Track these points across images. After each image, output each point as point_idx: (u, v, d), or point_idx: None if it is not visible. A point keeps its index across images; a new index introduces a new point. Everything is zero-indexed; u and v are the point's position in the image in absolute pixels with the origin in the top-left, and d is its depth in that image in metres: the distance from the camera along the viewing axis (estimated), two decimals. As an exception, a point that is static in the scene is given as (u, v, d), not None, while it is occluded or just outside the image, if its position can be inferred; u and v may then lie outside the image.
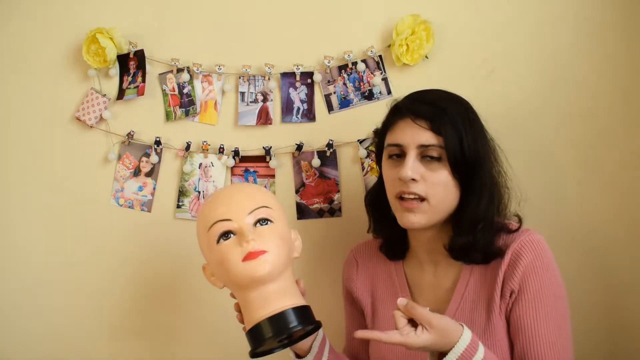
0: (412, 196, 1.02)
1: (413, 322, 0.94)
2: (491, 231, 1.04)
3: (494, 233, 1.05)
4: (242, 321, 1.04)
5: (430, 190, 1.01)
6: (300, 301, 1.01)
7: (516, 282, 1.01)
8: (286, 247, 1.01)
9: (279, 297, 0.99)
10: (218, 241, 1.00)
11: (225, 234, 0.99)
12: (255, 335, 0.99)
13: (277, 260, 0.98)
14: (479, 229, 1.03)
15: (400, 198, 1.04)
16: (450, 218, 1.06)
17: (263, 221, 1.00)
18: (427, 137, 1.02)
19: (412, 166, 1.01)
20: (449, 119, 1.02)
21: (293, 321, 0.97)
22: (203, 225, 1.03)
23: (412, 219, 1.03)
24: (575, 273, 1.11)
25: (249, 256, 0.97)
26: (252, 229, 0.99)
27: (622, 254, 1.29)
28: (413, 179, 1.01)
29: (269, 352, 1.03)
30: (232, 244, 0.98)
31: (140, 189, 1.44)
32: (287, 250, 1.02)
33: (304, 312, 1.00)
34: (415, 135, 1.02)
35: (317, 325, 1.02)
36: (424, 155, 1.02)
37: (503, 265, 1.03)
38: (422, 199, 1.02)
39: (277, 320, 0.97)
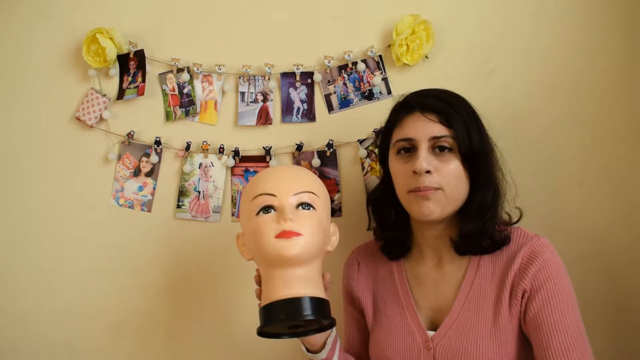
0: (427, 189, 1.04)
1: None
2: (496, 221, 1.07)
3: (497, 223, 1.08)
4: (259, 297, 1.05)
5: (444, 181, 1.03)
6: (320, 294, 1.01)
7: (529, 281, 1.02)
8: (321, 237, 1.02)
9: (301, 284, 0.99)
10: (258, 213, 1.01)
11: (267, 208, 1.01)
12: (267, 313, 0.99)
13: (309, 246, 0.98)
14: (487, 218, 1.05)
15: (414, 191, 1.05)
16: (458, 211, 1.08)
17: (306, 205, 1.01)
18: (438, 128, 1.04)
19: (426, 158, 1.03)
20: (456, 112, 1.05)
21: (308, 309, 0.97)
22: (248, 195, 1.04)
23: (430, 206, 1.03)
24: (575, 273, 1.11)
25: (283, 234, 0.97)
26: (293, 210, 1.00)
27: (623, 254, 1.29)
28: (428, 171, 1.03)
29: (276, 336, 1.03)
30: (270, 218, 1.00)
31: (141, 189, 1.44)
32: (322, 240, 1.02)
33: (321, 305, 0.99)
34: (426, 127, 1.04)
35: (332, 322, 1.02)
36: (435, 147, 1.04)
37: (513, 267, 1.04)
38: (437, 189, 1.03)
39: (293, 304, 0.97)
